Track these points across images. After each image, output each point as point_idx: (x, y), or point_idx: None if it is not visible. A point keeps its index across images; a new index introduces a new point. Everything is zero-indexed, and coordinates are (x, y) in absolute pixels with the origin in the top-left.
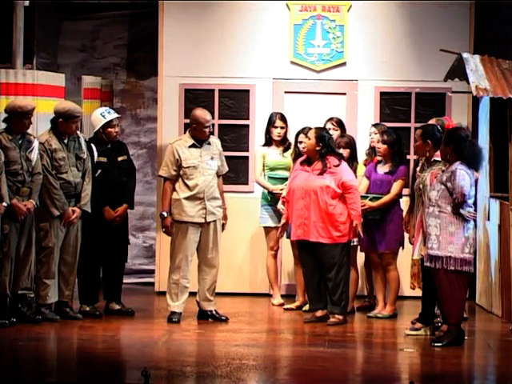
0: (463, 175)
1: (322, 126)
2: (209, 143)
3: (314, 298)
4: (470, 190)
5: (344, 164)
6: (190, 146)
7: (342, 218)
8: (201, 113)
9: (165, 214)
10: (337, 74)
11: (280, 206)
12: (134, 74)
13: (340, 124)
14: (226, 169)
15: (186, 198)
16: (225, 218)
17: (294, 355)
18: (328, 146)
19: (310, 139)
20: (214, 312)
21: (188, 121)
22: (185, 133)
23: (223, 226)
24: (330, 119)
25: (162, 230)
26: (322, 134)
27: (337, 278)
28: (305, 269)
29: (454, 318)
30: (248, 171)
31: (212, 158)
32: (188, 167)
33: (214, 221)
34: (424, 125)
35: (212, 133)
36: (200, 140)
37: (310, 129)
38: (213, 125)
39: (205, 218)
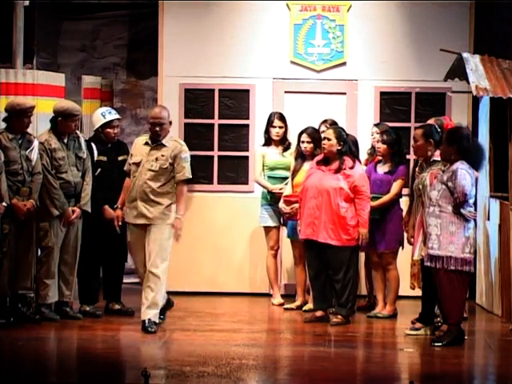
0: (464, 175)
1: (317, 127)
2: (163, 144)
3: (319, 297)
4: (471, 190)
5: (358, 166)
6: (145, 144)
7: (353, 221)
8: (151, 110)
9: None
10: (337, 73)
11: (282, 205)
12: (134, 73)
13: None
14: (186, 176)
15: (128, 196)
16: (175, 227)
17: (294, 355)
18: (347, 143)
19: (329, 140)
20: (146, 321)
21: (188, 121)
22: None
23: (176, 235)
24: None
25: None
26: (340, 133)
27: (344, 280)
28: (309, 269)
29: (454, 317)
30: (248, 171)
31: (157, 159)
32: (132, 163)
33: (150, 226)
34: (423, 125)
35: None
36: (154, 139)
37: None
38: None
39: (134, 220)
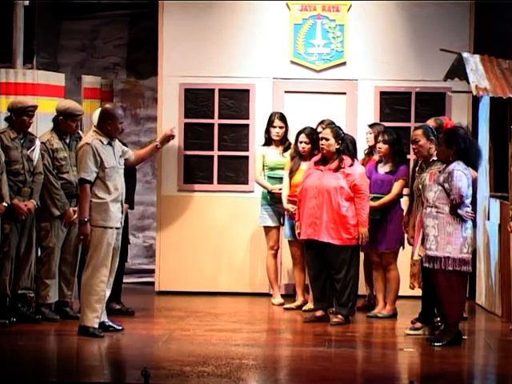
0: (460, 176)
1: (314, 127)
2: (112, 139)
3: (319, 298)
4: (468, 191)
5: (357, 165)
6: (107, 145)
7: (354, 220)
8: (115, 108)
9: (86, 219)
10: (337, 73)
11: (287, 205)
12: (134, 73)
13: None
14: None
15: (110, 201)
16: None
17: (294, 355)
18: (345, 142)
19: (328, 140)
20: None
21: (188, 120)
22: (97, 131)
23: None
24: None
25: (80, 237)
26: (338, 131)
27: (345, 280)
28: (310, 269)
29: (453, 317)
30: (248, 171)
31: (121, 156)
32: (109, 168)
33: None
34: (422, 125)
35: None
36: (113, 138)
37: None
38: None
39: (121, 223)
